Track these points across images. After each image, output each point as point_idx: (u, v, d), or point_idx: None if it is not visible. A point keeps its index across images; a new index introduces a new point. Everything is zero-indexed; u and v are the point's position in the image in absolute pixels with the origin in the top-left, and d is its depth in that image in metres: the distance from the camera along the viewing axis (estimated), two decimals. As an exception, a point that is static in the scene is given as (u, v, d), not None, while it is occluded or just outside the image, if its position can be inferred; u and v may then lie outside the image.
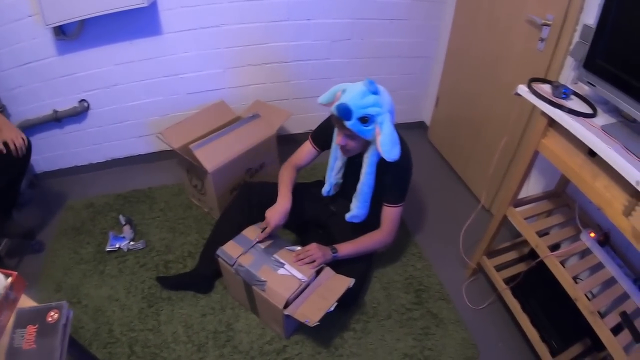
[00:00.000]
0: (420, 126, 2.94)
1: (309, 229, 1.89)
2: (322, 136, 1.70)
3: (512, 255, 1.80)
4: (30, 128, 2.17)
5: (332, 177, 1.69)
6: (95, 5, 1.82)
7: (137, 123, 2.36)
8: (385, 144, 1.35)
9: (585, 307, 1.23)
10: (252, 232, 1.64)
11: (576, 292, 1.26)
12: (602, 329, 1.17)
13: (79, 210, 2.16)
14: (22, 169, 1.81)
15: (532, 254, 1.70)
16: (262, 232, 1.61)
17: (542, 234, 1.50)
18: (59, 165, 2.40)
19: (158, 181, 2.36)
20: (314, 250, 1.57)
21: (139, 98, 2.28)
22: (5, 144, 1.64)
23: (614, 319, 1.20)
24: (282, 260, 1.55)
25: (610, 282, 1.32)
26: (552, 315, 1.51)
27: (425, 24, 2.50)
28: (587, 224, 1.51)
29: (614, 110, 1.26)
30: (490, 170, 1.91)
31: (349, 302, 1.68)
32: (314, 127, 1.76)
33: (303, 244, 1.65)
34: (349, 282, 1.51)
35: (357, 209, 1.62)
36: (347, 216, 1.66)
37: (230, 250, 1.58)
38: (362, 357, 1.58)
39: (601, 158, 1.09)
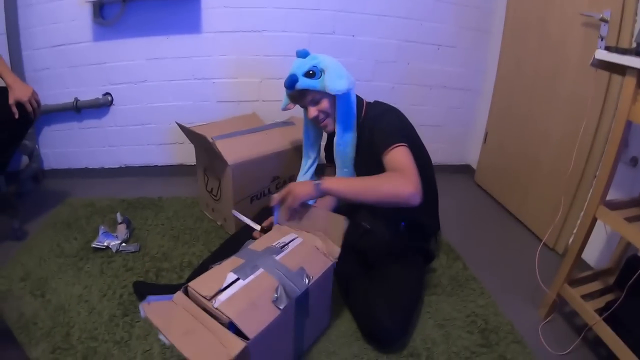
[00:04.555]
0: (466, 170, 2.63)
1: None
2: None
3: (594, 287, 1.38)
4: (48, 115, 2.04)
5: (301, 177, 1.60)
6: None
7: (159, 128, 2.19)
8: (330, 78, 1.34)
9: None
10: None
11: None
12: None
13: (76, 208, 1.92)
14: (27, 126, 1.61)
15: (620, 282, 1.30)
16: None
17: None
18: (70, 164, 2.21)
19: (172, 193, 2.10)
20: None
21: (166, 99, 2.13)
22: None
23: None
24: None
25: None
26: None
27: (472, 53, 2.35)
28: None
29: None
30: (553, 202, 1.63)
31: (390, 334, 1.25)
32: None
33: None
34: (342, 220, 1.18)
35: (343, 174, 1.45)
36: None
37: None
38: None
39: None
